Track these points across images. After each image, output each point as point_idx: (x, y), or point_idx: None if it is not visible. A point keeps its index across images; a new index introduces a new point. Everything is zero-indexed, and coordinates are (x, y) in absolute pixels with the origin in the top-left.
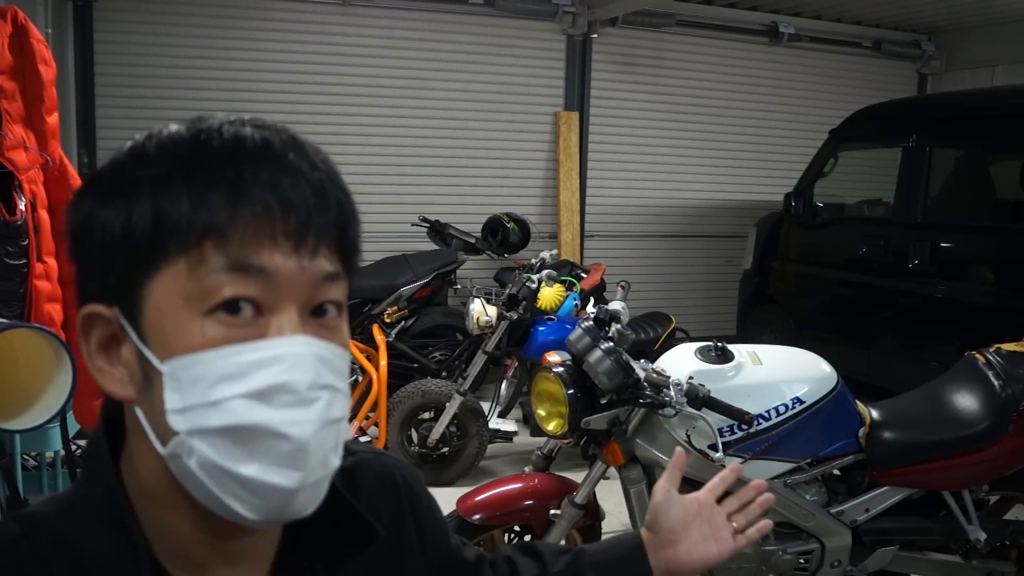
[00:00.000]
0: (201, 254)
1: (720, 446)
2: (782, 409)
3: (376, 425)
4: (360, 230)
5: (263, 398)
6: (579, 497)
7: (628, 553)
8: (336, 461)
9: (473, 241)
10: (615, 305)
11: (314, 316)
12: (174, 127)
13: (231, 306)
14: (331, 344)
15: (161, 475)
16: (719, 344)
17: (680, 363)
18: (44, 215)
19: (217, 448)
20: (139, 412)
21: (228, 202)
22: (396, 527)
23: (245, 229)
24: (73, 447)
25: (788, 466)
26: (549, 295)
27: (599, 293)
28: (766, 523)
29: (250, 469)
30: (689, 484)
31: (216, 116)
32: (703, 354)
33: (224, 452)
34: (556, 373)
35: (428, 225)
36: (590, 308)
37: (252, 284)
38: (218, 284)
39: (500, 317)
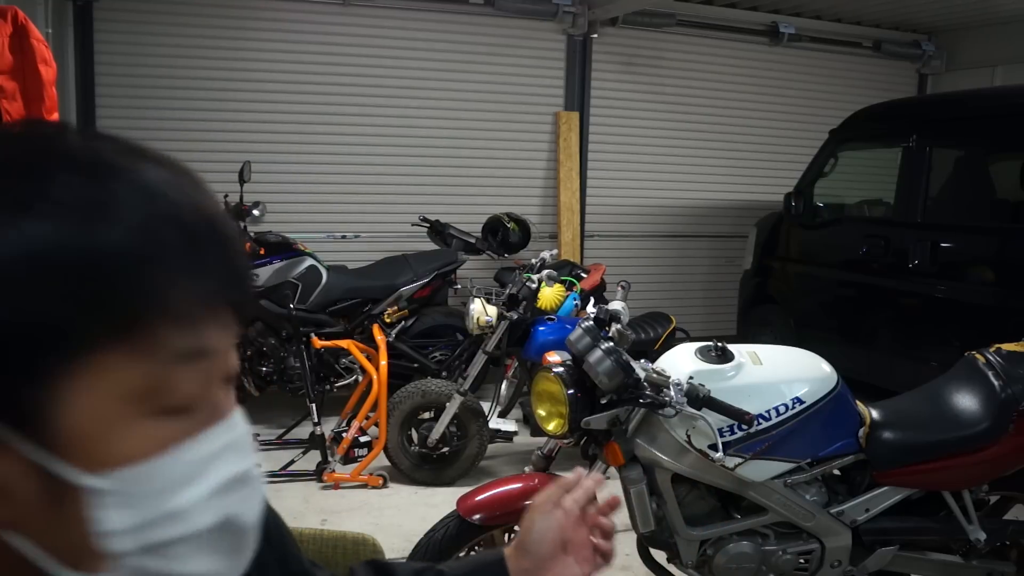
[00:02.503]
0: (141, 345)
1: (720, 446)
2: (782, 409)
3: (376, 425)
4: None
5: (227, 491)
6: None
7: (488, 572)
8: None
9: (473, 241)
10: (615, 305)
11: None
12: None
13: (180, 406)
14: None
15: None
16: (719, 344)
17: (680, 363)
18: None
19: (169, 557)
20: (15, 539)
21: (187, 283)
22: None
23: (194, 313)
24: None
25: (788, 466)
26: (549, 295)
27: (599, 293)
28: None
29: (198, 565)
30: (689, 484)
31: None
32: (703, 354)
33: (176, 557)
34: (556, 373)
35: (428, 225)
36: (590, 308)
37: (200, 373)
38: (165, 377)
39: (500, 317)
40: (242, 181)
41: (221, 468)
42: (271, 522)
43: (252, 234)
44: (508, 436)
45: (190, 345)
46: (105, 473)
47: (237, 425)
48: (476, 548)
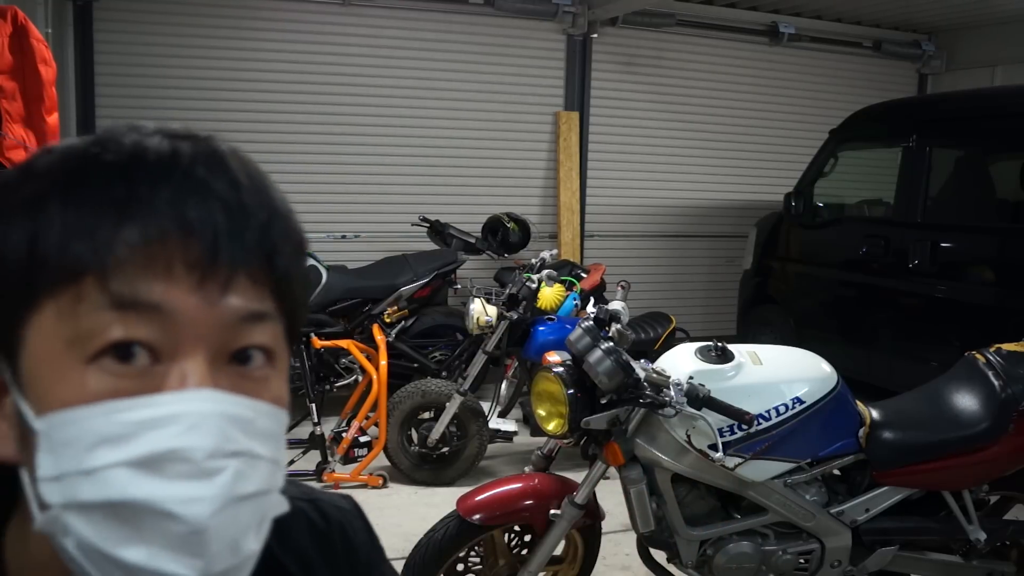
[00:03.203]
0: (79, 290)
1: (720, 446)
2: (782, 409)
3: (376, 425)
4: (299, 260)
5: (150, 467)
6: (579, 497)
7: None
8: (254, 545)
9: (473, 241)
10: (615, 305)
11: (235, 363)
12: (76, 139)
13: (121, 350)
14: (253, 400)
15: (52, 551)
16: (719, 344)
17: (680, 363)
18: None
19: (96, 527)
20: (23, 475)
21: (112, 226)
22: None
23: (133, 259)
24: None
25: (788, 466)
26: (549, 295)
27: (599, 293)
28: None
29: (136, 554)
30: (689, 484)
31: (138, 124)
32: (703, 354)
33: (104, 532)
34: (556, 373)
35: (428, 225)
36: (590, 308)
37: (145, 324)
38: (101, 324)
39: (500, 317)
40: None
41: (150, 439)
42: (357, 548)
43: None
44: (508, 436)
45: (123, 295)
46: (43, 416)
47: (193, 400)
48: (476, 548)
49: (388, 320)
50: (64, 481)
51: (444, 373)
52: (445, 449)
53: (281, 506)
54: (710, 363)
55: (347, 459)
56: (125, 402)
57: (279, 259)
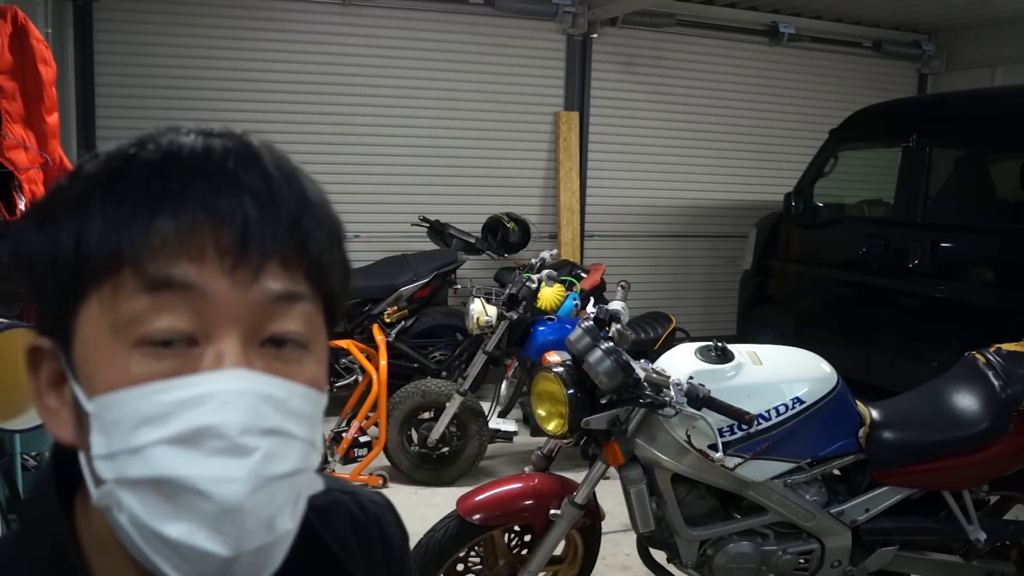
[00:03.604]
0: (118, 279)
1: (720, 446)
2: (782, 409)
3: (376, 425)
4: (335, 245)
5: (187, 444)
6: (579, 497)
7: None
8: (290, 524)
9: (473, 241)
10: (615, 305)
11: (270, 346)
12: (120, 142)
13: (160, 336)
14: (287, 381)
15: (109, 529)
16: (719, 344)
17: (680, 363)
18: None
19: (144, 503)
20: (81, 457)
21: (147, 219)
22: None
23: (166, 247)
24: None
25: (788, 466)
26: (549, 295)
27: (599, 293)
28: None
29: (177, 530)
30: (689, 484)
31: (178, 125)
32: (703, 354)
33: (150, 508)
34: (556, 373)
35: (428, 225)
36: (590, 308)
37: (182, 308)
38: (139, 308)
39: (500, 317)
40: None
41: (186, 417)
42: (392, 542)
43: None
44: (508, 436)
45: (157, 276)
46: (93, 398)
47: (225, 380)
48: (476, 548)
49: (388, 320)
50: (115, 459)
51: (444, 373)
52: (445, 449)
53: (316, 484)
54: (710, 363)
55: (347, 459)
56: (163, 383)
57: (312, 245)
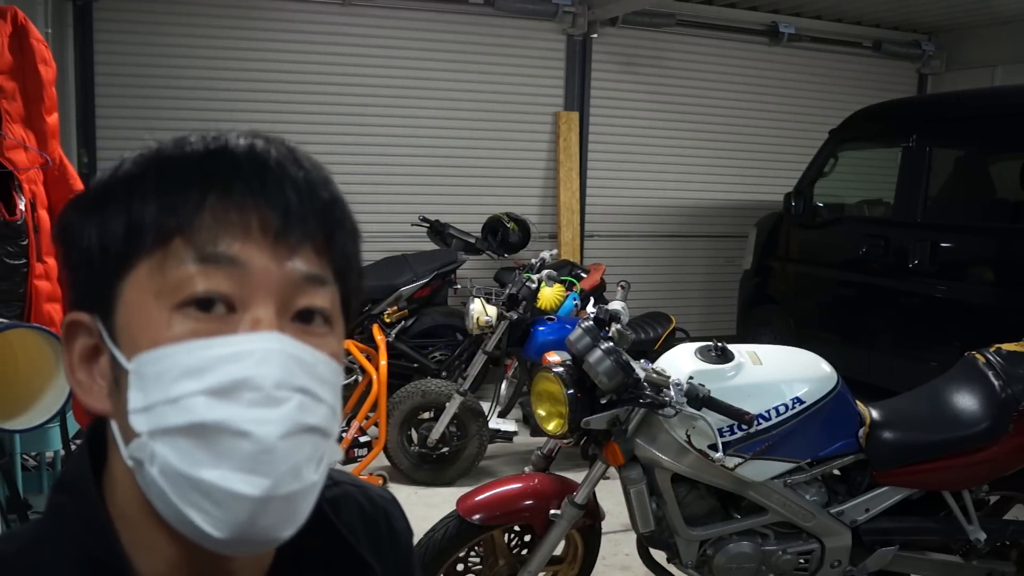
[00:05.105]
0: (168, 249)
1: (720, 446)
2: (782, 409)
3: (376, 425)
4: (355, 243)
5: (225, 394)
6: (579, 497)
7: None
8: (314, 476)
9: (473, 241)
10: (615, 305)
11: (298, 322)
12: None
13: (202, 302)
14: (313, 349)
15: (138, 493)
16: (719, 344)
17: (680, 363)
18: (44, 215)
19: (178, 450)
20: (112, 424)
21: (198, 198)
22: (379, 567)
23: (215, 224)
24: (73, 447)
25: (788, 466)
26: (549, 295)
27: (599, 293)
28: None
29: (211, 474)
30: (689, 484)
31: (219, 129)
32: (703, 354)
33: (185, 455)
34: (556, 373)
35: (428, 225)
36: (590, 308)
37: (224, 278)
38: (187, 276)
39: (500, 317)
40: None
41: (225, 371)
42: (399, 534)
43: None
44: (508, 436)
45: (207, 250)
46: (134, 357)
47: (263, 340)
48: (476, 548)
49: (388, 320)
50: (151, 411)
51: (444, 373)
52: (445, 449)
53: (336, 454)
54: (710, 363)
55: (347, 459)
56: (205, 341)
57: (338, 236)
